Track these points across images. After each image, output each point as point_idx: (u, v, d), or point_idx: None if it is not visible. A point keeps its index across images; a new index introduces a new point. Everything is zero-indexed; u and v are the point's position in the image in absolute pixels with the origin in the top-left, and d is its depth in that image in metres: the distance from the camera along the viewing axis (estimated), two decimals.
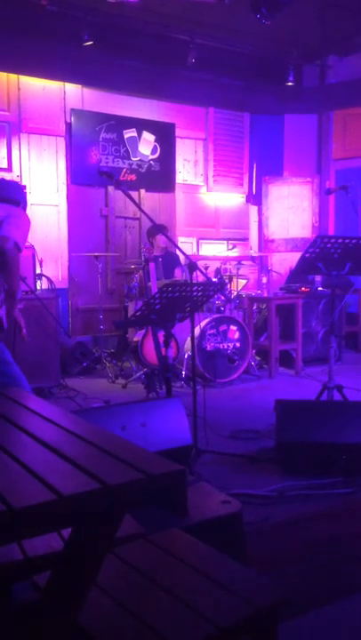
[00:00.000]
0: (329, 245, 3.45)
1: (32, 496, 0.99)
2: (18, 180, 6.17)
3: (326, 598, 2.07)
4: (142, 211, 3.35)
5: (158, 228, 4.98)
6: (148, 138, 6.89)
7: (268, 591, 1.39)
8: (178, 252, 5.65)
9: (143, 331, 5.16)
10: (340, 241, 3.45)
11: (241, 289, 6.23)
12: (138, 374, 5.30)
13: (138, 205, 3.50)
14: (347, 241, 3.45)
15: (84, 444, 1.29)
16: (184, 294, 2.98)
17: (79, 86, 6.46)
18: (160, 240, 5.80)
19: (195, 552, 1.54)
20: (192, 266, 3.08)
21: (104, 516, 1.09)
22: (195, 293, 3.02)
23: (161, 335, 4.57)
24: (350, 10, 5.53)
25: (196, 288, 3.02)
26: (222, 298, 5.53)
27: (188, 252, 6.89)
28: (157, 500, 1.09)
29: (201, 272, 3.33)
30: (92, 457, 1.17)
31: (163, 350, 3.28)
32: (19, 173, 6.17)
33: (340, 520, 2.65)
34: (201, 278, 4.21)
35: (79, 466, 1.11)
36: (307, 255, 3.50)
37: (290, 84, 6.92)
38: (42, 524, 0.99)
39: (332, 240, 3.47)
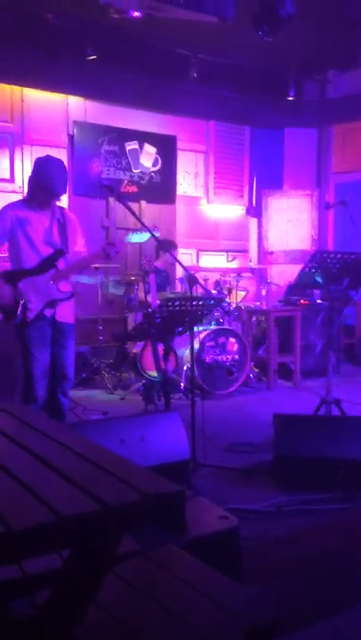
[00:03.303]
0: (328, 260, 3.48)
1: (32, 517, 1.00)
2: (20, 190, 6.21)
3: (325, 613, 2.07)
4: (145, 226, 3.38)
5: (169, 245, 5.01)
6: (150, 150, 6.94)
7: (262, 609, 1.39)
8: (178, 266, 5.67)
9: (142, 342, 5.17)
10: (338, 256, 3.48)
11: (240, 301, 6.25)
12: (136, 386, 5.31)
13: (140, 220, 3.52)
14: (345, 256, 3.48)
15: (83, 463, 1.31)
16: (184, 308, 3.00)
17: (82, 99, 6.51)
18: (168, 256, 5.83)
19: (191, 569, 1.55)
20: (192, 279, 3.11)
21: (103, 536, 1.10)
22: (194, 307, 3.04)
23: (160, 347, 4.59)
24: (350, 25, 5.60)
25: (195, 302, 3.04)
26: (221, 311, 5.55)
27: (188, 264, 6.92)
28: (156, 520, 1.11)
29: (201, 286, 3.36)
30: (92, 476, 1.19)
31: (162, 363, 3.29)
32: (20, 184, 6.21)
33: (338, 535, 2.65)
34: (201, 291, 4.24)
35: (79, 486, 1.12)
36: (306, 269, 3.53)
37: (290, 98, 6.99)
38: (41, 546, 1.00)
39: (331, 255, 3.50)
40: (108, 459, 1.31)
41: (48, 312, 3.31)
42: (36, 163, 3.34)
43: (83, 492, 1.09)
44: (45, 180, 3.20)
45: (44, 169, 3.24)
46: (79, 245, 3.46)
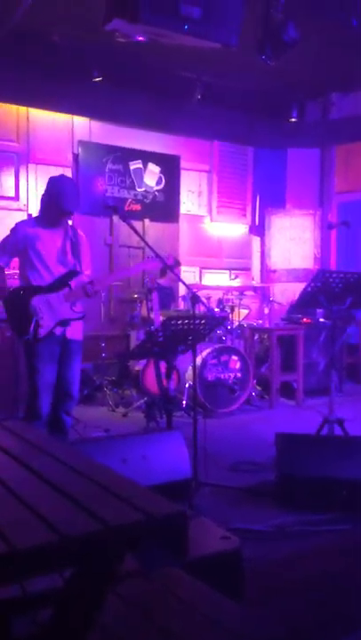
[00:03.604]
0: (331, 280, 3.50)
1: (35, 537, 1.01)
2: (24, 208, 6.28)
3: (326, 635, 2.05)
4: (149, 245, 3.41)
5: (172, 264, 5.04)
6: (154, 169, 7.02)
7: (264, 631, 1.39)
8: (181, 285, 5.70)
9: (145, 359, 5.18)
10: (341, 276, 3.50)
11: (243, 319, 6.27)
12: (138, 403, 5.31)
13: (143, 239, 3.55)
14: (348, 276, 3.50)
15: (85, 482, 1.31)
16: (187, 327, 3.02)
17: (87, 119, 6.61)
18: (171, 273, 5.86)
19: (191, 590, 1.55)
20: (194, 298, 3.13)
21: (105, 556, 1.10)
22: (197, 326, 3.05)
23: (163, 365, 4.60)
24: (353, 48, 5.69)
25: (198, 321, 3.06)
26: (224, 329, 5.57)
27: (191, 282, 6.95)
28: (159, 540, 1.11)
29: (203, 304, 3.38)
30: (95, 496, 1.20)
31: (164, 381, 3.30)
32: (25, 202, 6.28)
33: (340, 557, 2.63)
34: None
35: (82, 505, 1.13)
36: (309, 289, 3.55)
37: (293, 119, 7.08)
38: (44, 565, 1.01)
39: (334, 275, 3.52)
40: (110, 478, 1.32)
41: (59, 330, 3.33)
42: (49, 181, 3.40)
43: (85, 511, 1.10)
44: (58, 199, 3.26)
45: (56, 187, 3.30)
46: (85, 267, 3.50)
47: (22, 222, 3.57)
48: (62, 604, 1.17)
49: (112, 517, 1.07)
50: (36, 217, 3.51)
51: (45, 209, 3.36)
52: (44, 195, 3.37)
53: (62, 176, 3.50)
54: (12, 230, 3.42)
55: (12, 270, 3.81)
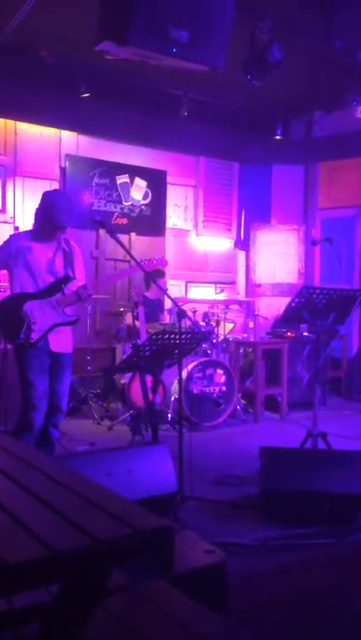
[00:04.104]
0: (314, 296, 3.56)
1: (26, 551, 1.02)
2: (11, 221, 6.29)
3: None
4: (134, 258, 3.45)
5: (156, 274, 5.09)
6: (140, 184, 7.09)
7: None
8: (166, 298, 5.74)
9: (131, 372, 5.19)
10: (325, 292, 3.56)
11: (228, 332, 6.31)
12: (124, 416, 5.31)
13: (129, 252, 3.59)
14: (331, 292, 3.57)
15: (74, 496, 1.33)
16: (173, 342, 3.05)
17: (74, 133, 6.66)
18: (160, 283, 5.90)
19: (177, 605, 1.56)
20: (181, 313, 3.16)
21: (93, 570, 1.12)
22: (183, 341, 3.09)
23: (148, 379, 4.62)
24: (336, 69, 5.84)
25: (184, 336, 3.09)
26: (209, 342, 5.60)
27: (177, 295, 7.00)
28: (146, 555, 1.13)
29: (189, 319, 3.42)
30: (83, 510, 1.21)
31: (150, 395, 3.32)
32: (12, 215, 6.29)
33: (324, 571, 2.66)
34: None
35: (70, 520, 1.15)
36: (293, 304, 3.60)
37: (278, 137, 7.20)
38: (34, 580, 1.02)
39: (318, 291, 3.59)
40: (98, 493, 1.34)
41: (49, 339, 3.36)
42: (43, 196, 3.46)
43: (74, 526, 1.12)
44: (51, 213, 3.29)
45: (50, 202, 3.34)
46: (79, 277, 3.53)
47: (16, 235, 3.62)
48: (49, 618, 1.18)
49: (101, 532, 1.09)
50: (30, 230, 3.54)
51: (39, 223, 3.40)
52: (37, 209, 3.41)
53: (56, 191, 3.56)
54: (6, 242, 3.48)
55: (2, 283, 3.83)
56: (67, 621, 1.16)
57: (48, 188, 6.47)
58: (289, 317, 3.69)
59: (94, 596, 1.17)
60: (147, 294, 5.80)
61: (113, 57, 3.08)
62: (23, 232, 3.60)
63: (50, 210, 3.29)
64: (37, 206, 3.42)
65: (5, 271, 3.49)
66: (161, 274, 6.00)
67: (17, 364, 3.36)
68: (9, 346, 3.51)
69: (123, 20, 2.58)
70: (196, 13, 2.72)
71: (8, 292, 3.82)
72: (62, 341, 3.42)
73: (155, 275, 5.35)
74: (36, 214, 3.41)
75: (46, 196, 3.42)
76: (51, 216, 3.29)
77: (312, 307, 3.58)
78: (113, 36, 2.65)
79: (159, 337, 3.02)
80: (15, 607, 1.46)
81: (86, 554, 1.05)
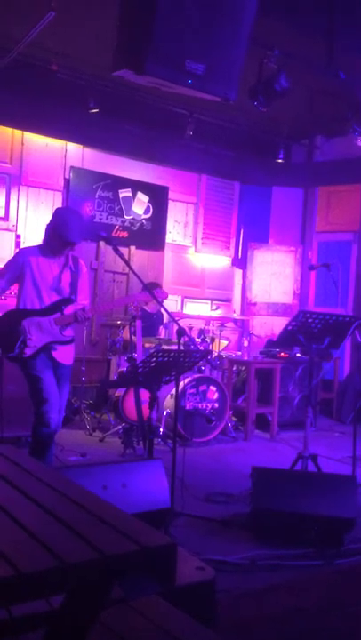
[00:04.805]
0: (310, 320, 3.64)
1: (37, 561, 1.08)
2: (13, 229, 6.35)
3: None
4: (134, 272, 3.51)
5: (153, 287, 5.15)
6: (142, 198, 7.18)
7: None
8: (164, 312, 5.81)
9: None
10: (321, 317, 3.64)
11: (222, 350, 6.38)
12: (116, 429, 5.34)
13: (129, 265, 3.63)
14: (327, 317, 3.65)
15: (79, 509, 1.38)
16: (172, 360, 3.11)
17: (80, 146, 6.76)
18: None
19: (172, 619, 1.61)
20: (180, 332, 3.22)
21: (97, 582, 1.17)
22: (182, 360, 3.15)
23: (143, 393, 4.67)
24: (338, 97, 6.00)
25: (183, 354, 3.15)
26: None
27: (173, 310, 7.07)
28: (149, 570, 1.19)
29: (188, 337, 3.48)
30: (90, 524, 1.27)
31: (147, 411, 3.37)
32: (14, 223, 6.36)
33: (311, 592, 2.71)
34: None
35: (78, 533, 1.20)
36: (289, 328, 3.68)
37: (279, 160, 7.34)
38: (43, 589, 1.07)
39: (314, 315, 3.67)
40: (102, 507, 1.39)
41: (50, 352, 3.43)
42: (55, 212, 3.55)
43: (82, 539, 1.17)
44: (62, 229, 3.36)
45: (62, 218, 3.42)
46: (82, 297, 3.60)
47: (26, 249, 3.69)
48: (55, 625, 1.23)
49: (108, 546, 1.14)
50: (39, 245, 3.60)
51: (49, 238, 3.47)
52: (49, 224, 3.48)
53: (68, 208, 3.65)
54: (15, 255, 3.57)
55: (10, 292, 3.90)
56: (71, 628, 1.21)
57: (51, 199, 6.58)
58: (285, 340, 3.76)
59: (97, 607, 1.23)
60: (146, 308, 5.87)
61: (128, 80, 3.17)
62: (32, 247, 3.67)
63: (61, 226, 3.37)
64: (48, 222, 3.49)
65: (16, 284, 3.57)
66: (157, 285, 6.07)
67: (22, 372, 3.43)
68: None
69: (141, 50, 2.67)
70: (213, 47, 2.83)
71: (8, 300, 3.89)
72: (64, 352, 3.48)
73: (152, 287, 5.42)
74: (47, 229, 3.48)
75: (58, 212, 3.51)
76: (61, 232, 3.36)
77: (308, 330, 3.66)
78: (131, 65, 2.75)
79: (159, 354, 3.08)
80: (14, 616, 1.50)
81: (94, 567, 1.11)
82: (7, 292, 3.92)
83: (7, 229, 6.32)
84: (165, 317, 6.16)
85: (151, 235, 7.27)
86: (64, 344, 3.46)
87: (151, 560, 1.18)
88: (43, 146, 6.53)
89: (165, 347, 5.29)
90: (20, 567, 1.04)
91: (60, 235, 3.37)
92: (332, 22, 4.20)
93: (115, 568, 1.13)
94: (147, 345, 5.39)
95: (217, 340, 6.20)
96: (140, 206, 7.18)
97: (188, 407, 5.32)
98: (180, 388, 5.21)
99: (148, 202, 7.22)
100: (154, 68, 2.70)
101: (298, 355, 6.36)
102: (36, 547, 1.13)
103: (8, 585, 1.01)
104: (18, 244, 6.29)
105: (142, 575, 1.22)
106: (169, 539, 1.21)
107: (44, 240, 3.52)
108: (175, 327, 3.16)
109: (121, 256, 3.41)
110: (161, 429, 5.29)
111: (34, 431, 3.40)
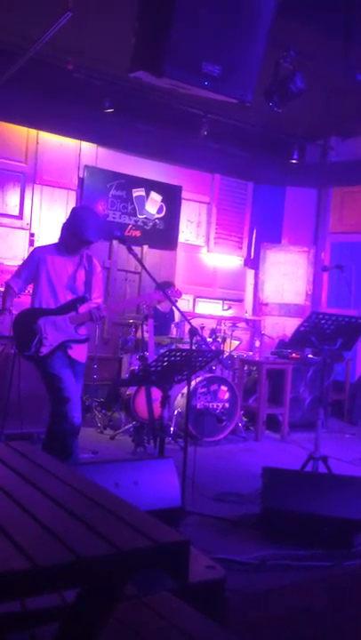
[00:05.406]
0: (323, 321, 3.64)
1: (54, 555, 1.10)
2: (27, 227, 6.40)
3: None
4: (147, 271, 3.52)
5: (165, 286, 5.18)
6: (156, 198, 7.20)
7: None
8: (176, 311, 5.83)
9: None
10: (333, 318, 3.64)
11: (233, 349, 6.38)
12: (127, 427, 5.37)
13: (143, 265, 3.65)
14: (340, 319, 3.64)
15: (95, 506, 1.40)
16: (184, 359, 3.13)
17: (94, 145, 6.79)
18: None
19: (185, 617, 1.63)
20: (193, 331, 3.24)
21: (113, 578, 1.19)
22: (194, 360, 3.16)
23: (154, 391, 4.68)
24: (353, 96, 5.97)
25: (195, 354, 3.17)
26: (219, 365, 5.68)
27: (185, 309, 7.08)
28: (163, 566, 1.20)
29: (201, 337, 3.49)
30: (106, 520, 1.29)
31: (159, 410, 3.39)
32: (28, 221, 6.40)
33: (320, 593, 2.71)
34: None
35: (94, 529, 1.22)
36: (302, 329, 3.68)
37: (294, 160, 7.32)
38: (59, 583, 1.10)
39: (326, 317, 3.66)
40: (118, 504, 1.41)
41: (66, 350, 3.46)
42: (72, 211, 3.59)
43: (99, 535, 1.19)
44: (79, 228, 3.39)
45: (79, 217, 3.45)
46: (96, 296, 3.62)
47: (41, 247, 3.72)
48: (70, 619, 1.25)
49: (124, 542, 1.16)
50: (55, 244, 3.63)
51: (65, 237, 3.49)
52: (65, 223, 3.51)
53: (85, 207, 3.68)
54: (30, 253, 3.59)
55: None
56: (85, 623, 1.22)
57: (65, 197, 6.62)
58: (297, 341, 3.76)
59: (111, 602, 1.24)
60: (158, 307, 5.89)
61: (144, 81, 3.19)
62: (47, 245, 3.70)
63: (78, 224, 3.39)
64: (65, 220, 3.52)
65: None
66: (170, 284, 6.09)
67: (39, 369, 3.46)
68: None
69: (158, 52, 2.69)
70: (229, 49, 2.84)
71: (22, 298, 3.92)
72: (79, 350, 3.51)
73: (165, 286, 5.44)
74: (63, 228, 3.50)
75: (75, 211, 3.54)
76: (78, 230, 3.39)
77: (320, 332, 3.66)
78: (148, 67, 2.77)
79: (173, 353, 3.10)
80: (28, 609, 1.52)
81: (110, 563, 1.12)
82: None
83: (21, 228, 6.36)
84: (177, 316, 6.18)
85: (164, 234, 7.29)
86: (79, 342, 3.49)
87: (165, 556, 1.19)
88: (57, 145, 6.57)
89: (179, 345, 5.31)
90: (37, 560, 1.06)
91: (77, 233, 3.40)
92: (349, 22, 4.19)
93: (129, 563, 1.15)
94: (164, 342, 5.41)
95: (228, 340, 6.20)
96: (153, 205, 7.20)
97: (199, 406, 5.33)
98: (192, 387, 5.22)
99: (162, 201, 7.24)
100: (171, 70, 2.71)
101: (310, 356, 6.35)
102: (52, 541, 1.15)
103: (24, 577, 1.03)
104: (32, 242, 6.34)
105: (156, 571, 1.23)
106: (182, 536, 1.22)
107: (60, 238, 3.54)
108: (187, 326, 3.17)
109: (134, 255, 3.43)
110: (172, 428, 5.31)
111: (52, 429, 3.42)
